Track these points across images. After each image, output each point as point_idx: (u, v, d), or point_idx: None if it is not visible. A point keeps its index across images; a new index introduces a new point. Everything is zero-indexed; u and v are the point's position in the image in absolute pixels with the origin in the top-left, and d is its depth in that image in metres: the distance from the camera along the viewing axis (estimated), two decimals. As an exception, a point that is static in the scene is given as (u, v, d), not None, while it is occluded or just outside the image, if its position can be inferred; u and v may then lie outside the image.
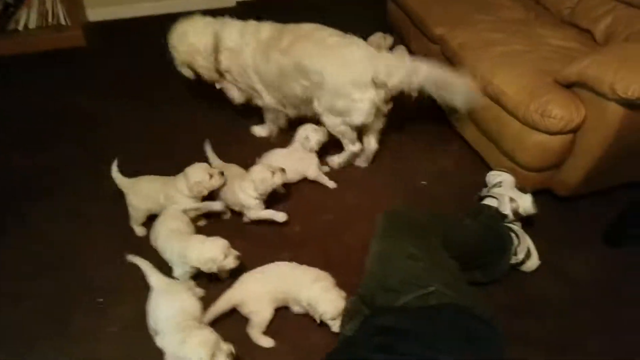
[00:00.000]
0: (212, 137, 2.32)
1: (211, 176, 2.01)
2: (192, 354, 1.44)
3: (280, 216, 2.07)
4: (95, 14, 3.72)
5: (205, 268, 1.77)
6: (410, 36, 2.87)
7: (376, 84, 2.07)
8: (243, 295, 1.73)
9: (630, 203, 2.10)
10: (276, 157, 2.26)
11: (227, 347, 1.49)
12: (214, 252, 1.74)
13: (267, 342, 1.71)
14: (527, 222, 2.06)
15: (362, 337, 1.40)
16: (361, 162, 2.44)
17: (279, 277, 1.77)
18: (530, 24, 2.50)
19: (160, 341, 1.56)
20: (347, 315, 1.60)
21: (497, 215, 2.01)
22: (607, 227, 2.10)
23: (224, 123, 2.66)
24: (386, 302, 1.46)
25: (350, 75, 2.06)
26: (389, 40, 2.82)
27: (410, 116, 2.75)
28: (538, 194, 2.16)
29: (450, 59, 2.45)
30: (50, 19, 3.51)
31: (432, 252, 1.59)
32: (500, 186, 2.11)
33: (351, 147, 2.34)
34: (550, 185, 2.22)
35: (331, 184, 2.32)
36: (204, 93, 2.65)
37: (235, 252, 1.78)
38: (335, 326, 1.67)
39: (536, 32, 2.40)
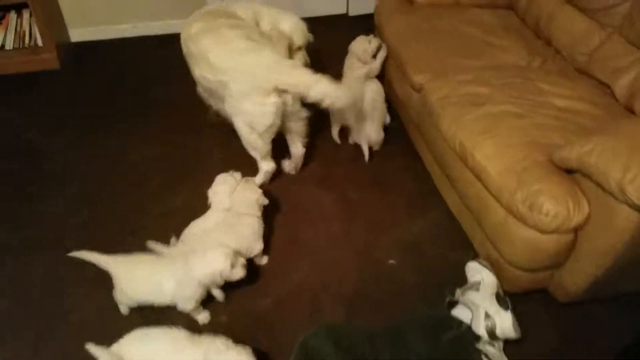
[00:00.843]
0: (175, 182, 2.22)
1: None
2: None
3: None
4: (78, 34, 3.52)
5: (210, 283, 1.62)
6: (392, 77, 2.40)
7: (279, 91, 2.00)
8: None
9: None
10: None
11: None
12: (219, 263, 1.59)
13: None
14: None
15: None
16: (290, 169, 2.34)
17: None
18: (531, 75, 1.98)
19: None
20: None
21: (467, 335, 1.55)
22: (618, 355, 1.59)
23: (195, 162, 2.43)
24: None
25: (253, 82, 1.99)
26: (374, 43, 2.43)
27: (384, 172, 2.34)
28: (532, 293, 1.71)
29: (429, 114, 1.98)
30: (27, 41, 3.33)
31: None
32: (477, 290, 1.66)
33: (263, 166, 2.22)
34: (546, 286, 1.74)
35: None
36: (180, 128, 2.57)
37: (242, 260, 1.64)
38: None
39: (536, 87, 1.89)
